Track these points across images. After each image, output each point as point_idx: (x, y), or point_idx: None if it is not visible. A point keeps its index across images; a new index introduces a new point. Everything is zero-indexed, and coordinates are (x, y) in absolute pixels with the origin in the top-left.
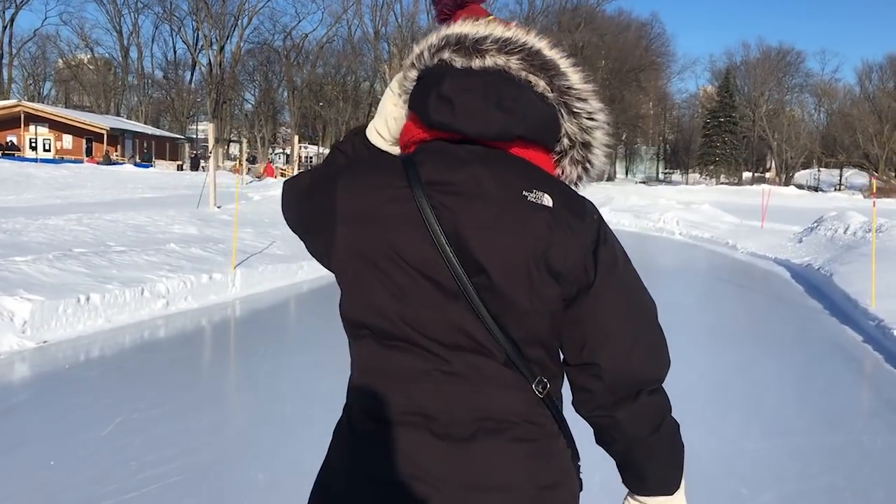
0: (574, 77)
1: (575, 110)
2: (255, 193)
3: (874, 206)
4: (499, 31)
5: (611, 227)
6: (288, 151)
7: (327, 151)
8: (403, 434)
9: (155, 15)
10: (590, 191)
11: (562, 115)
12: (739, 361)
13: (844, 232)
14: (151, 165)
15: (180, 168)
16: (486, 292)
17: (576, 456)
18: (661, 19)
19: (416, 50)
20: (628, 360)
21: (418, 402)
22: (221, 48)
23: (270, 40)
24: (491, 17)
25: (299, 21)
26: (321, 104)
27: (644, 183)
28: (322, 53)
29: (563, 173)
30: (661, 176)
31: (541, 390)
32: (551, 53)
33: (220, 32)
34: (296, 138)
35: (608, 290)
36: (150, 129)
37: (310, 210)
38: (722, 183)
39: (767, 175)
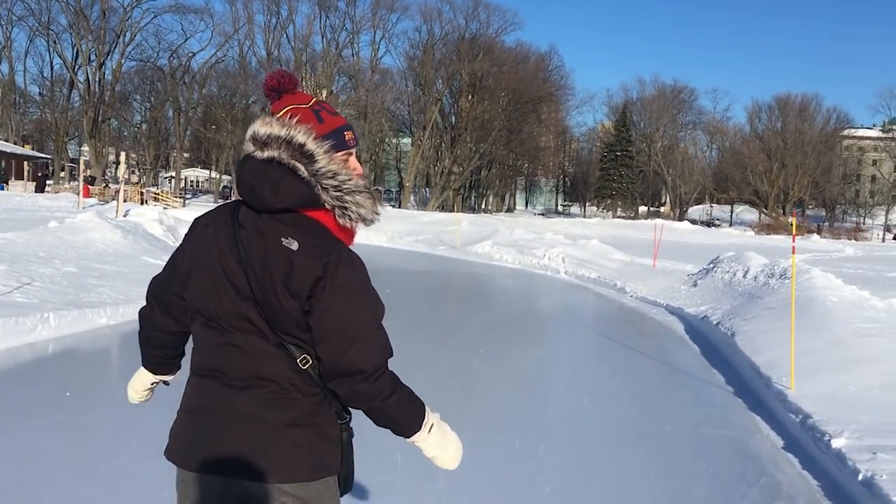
0: (322, 162)
1: (324, 186)
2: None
3: (794, 250)
4: (276, 129)
5: (493, 262)
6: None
7: (218, 175)
8: (205, 382)
9: (30, 28)
10: (475, 223)
11: (319, 189)
12: (618, 481)
13: (744, 276)
14: (2, 186)
15: (40, 189)
16: (259, 300)
17: (339, 413)
18: (560, 52)
19: (246, 136)
20: (339, 359)
21: (215, 363)
22: (101, 65)
23: (154, 58)
24: (291, 107)
25: (186, 39)
26: (213, 127)
27: (542, 215)
28: (211, 74)
29: (344, 224)
30: (559, 208)
31: (302, 364)
32: (311, 146)
33: (99, 48)
34: (179, 161)
35: (325, 309)
36: (9, 148)
37: (175, 261)
38: (618, 216)
39: (662, 209)
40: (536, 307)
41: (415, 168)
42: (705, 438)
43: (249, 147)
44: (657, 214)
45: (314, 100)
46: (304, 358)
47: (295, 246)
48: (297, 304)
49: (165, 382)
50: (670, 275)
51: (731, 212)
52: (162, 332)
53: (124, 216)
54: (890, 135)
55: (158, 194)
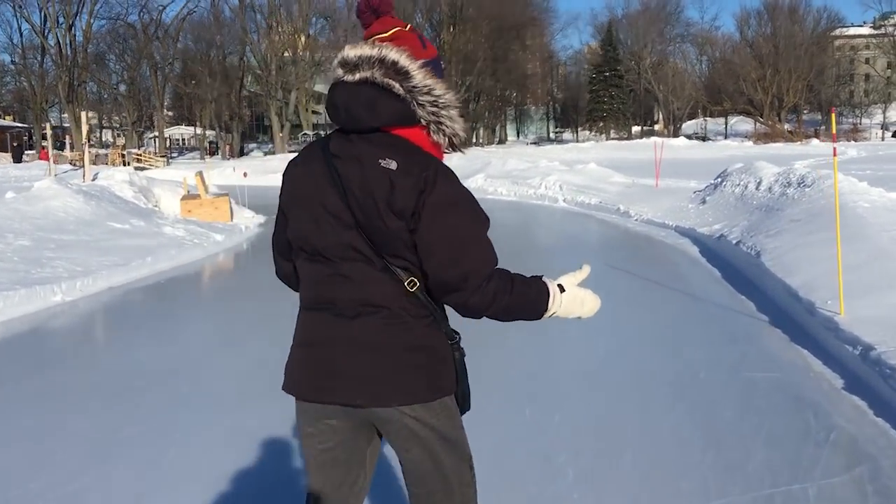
0: (418, 77)
1: (420, 102)
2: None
3: (835, 152)
4: (367, 50)
5: (487, 196)
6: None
7: (202, 131)
8: (317, 315)
9: None
10: (467, 156)
11: (415, 105)
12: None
13: (756, 188)
14: None
15: (17, 160)
16: (362, 224)
17: (449, 334)
18: None
19: (332, 67)
20: (446, 272)
21: (325, 295)
22: (70, 27)
23: (124, 15)
24: (397, 29)
25: None
26: (193, 82)
27: (535, 143)
28: (184, 27)
29: (437, 140)
30: (551, 136)
31: (410, 287)
32: (405, 62)
33: (67, 10)
34: (161, 119)
35: (429, 225)
36: None
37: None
38: (612, 139)
39: (656, 127)
40: (536, 240)
41: None
42: (749, 384)
43: (338, 73)
44: (651, 133)
45: (410, 25)
46: (412, 281)
47: (394, 165)
48: (403, 224)
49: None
50: (675, 193)
51: (726, 124)
52: (293, 274)
53: (92, 180)
54: (881, 31)
55: (140, 155)
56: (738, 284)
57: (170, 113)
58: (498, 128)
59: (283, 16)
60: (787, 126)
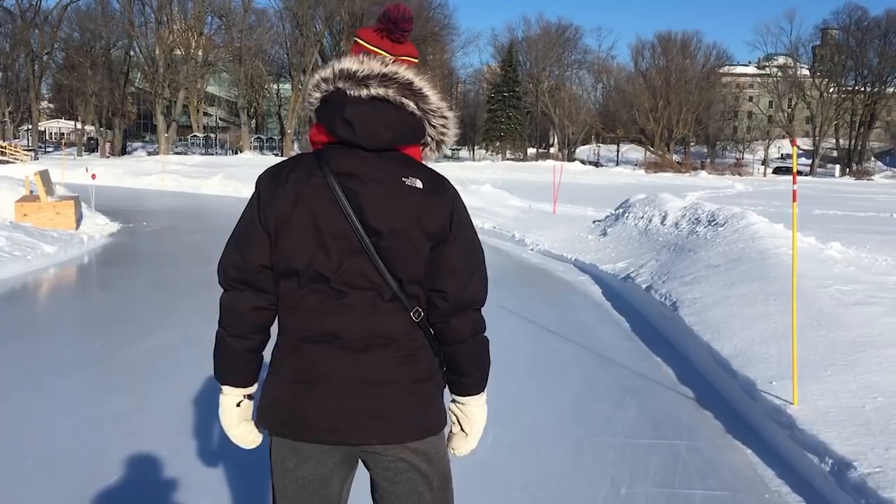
0: (433, 98)
1: (433, 123)
2: None
3: (794, 196)
4: (376, 67)
5: None
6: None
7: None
8: (318, 349)
9: None
10: None
11: (427, 125)
12: None
13: (661, 222)
14: None
15: None
16: (380, 248)
17: (442, 364)
18: None
19: (317, 77)
20: (465, 288)
21: (327, 326)
22: None
23: None
24: (410, 59)
25: None
26: (74, 74)
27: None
28: (67, 16)
29: (432, 154)
30: (448, 152)
31: (416, 317)
32: (419, 83)
33: None
34: (36, 111)
35: (456, 242)
36: None
37: (267, 221)
38: (508, 159)
39: (551, 150)
40: None
41: (296, 114)
42: None
43: (339, 84)
44: (546, 156)
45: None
46: (417, 310)
47: (419, 184)
48: (430, 245)
49: (250, 397)
50: (574, 222)
51: (618, 151)
52: (259, 310)
53: None
54: (765, 71)
55: (5, 148)
56: (653, 343)
57: (51, 105)
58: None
59: (174, 12)
60: (675, 157)
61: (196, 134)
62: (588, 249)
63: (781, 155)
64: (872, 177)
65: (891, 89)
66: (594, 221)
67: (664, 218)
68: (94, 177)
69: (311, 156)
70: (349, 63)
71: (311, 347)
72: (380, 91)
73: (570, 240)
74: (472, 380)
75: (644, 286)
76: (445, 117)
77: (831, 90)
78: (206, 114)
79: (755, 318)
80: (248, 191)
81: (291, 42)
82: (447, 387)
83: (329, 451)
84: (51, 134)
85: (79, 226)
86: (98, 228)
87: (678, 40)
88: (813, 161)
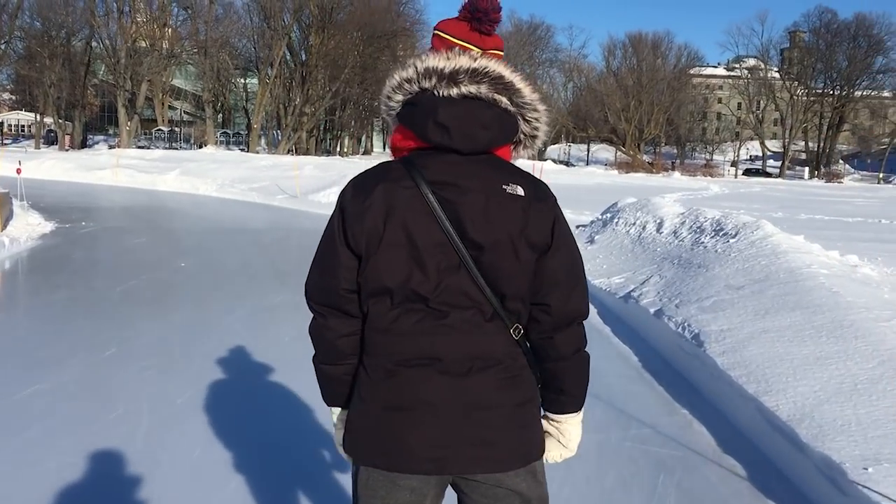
0: (526, 92)
1: (528, 119)
2: None
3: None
4: (466, 62)
5: None
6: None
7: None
8: (416, 373)
9: None
10: (321, 167)
11: (522, 121)
12: None
13: (657, 229)
14: None
15: None
16: (482, 263)
17: (538, 380)
18: None
19: (398, 78)
20: (569, 301)
21: (425, 349)
22: None
23: None
24: (497, 51)
25: None
26: (35, 64)
27: None
28: (24, 4)
29: (524, 154)
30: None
31: (516, 334)
32: (511, 77)
33: None
34: None
35: (559, 252)
36: None
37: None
38: None
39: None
40: None
41: (262, 108)
42: None
43: (424, 84)
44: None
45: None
46: (517, 327)
47: (521, 191)
48: (534, 256)
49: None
50: None
51: (588, 151)
52: (347, 337)
53: None
54: (735, 73)
55: None
56: (674, 387)
57: (12, 97)
58: (364, 138)
59: (138, 2)
60: (645, 157)
61: (161, 128)
62: None
63: (750, 157)
64: (842, 179)
65: (859, 92)
66: (578, 227)
67: (660, 225)
68: (19, 171)
69: (398, 164)
70: (435, 61)
71: (408, 371)
72: (471, 89)
73: None
74: (571, 398)
75: (651, 310)
76: (538, 111)
77: (800, 93)
78: (171, 107)
79: (809, 362)
80: (205, 187)
81: (259, 35)
82: (544, 403)
83: (426, 479)
84: (10, 126)
85: (6, 226)
86: (28, 229)
87: (649, 40)
88: (783, 163)
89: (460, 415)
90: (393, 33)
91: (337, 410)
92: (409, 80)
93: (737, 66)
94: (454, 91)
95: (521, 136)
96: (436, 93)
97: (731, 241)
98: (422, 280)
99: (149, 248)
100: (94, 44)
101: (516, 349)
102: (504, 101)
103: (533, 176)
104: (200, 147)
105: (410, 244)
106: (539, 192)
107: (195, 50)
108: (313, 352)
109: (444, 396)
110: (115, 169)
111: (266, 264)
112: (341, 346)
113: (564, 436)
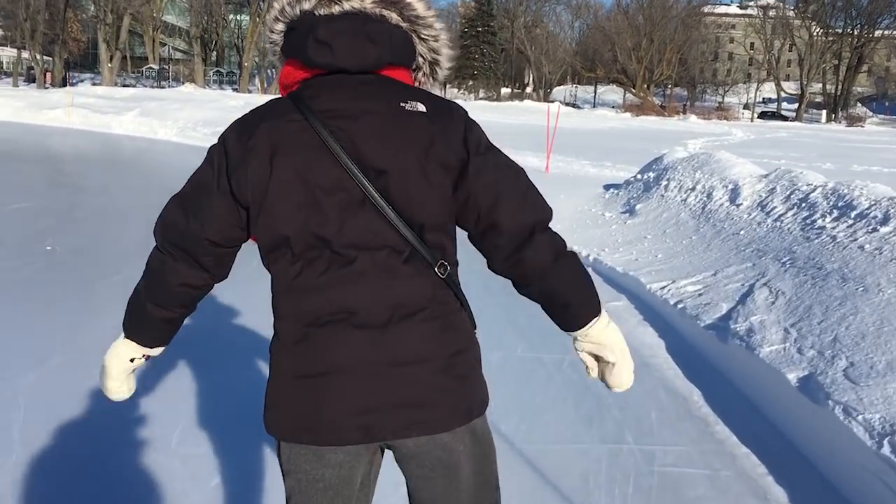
0: (419, 6)
1: (423, 36)
2: None
3: None
4: None
5: None
6: None
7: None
8: (329, 332)
9: None
10: None
11: (417, 40)
12: None
13: (733, 201)
14: None
15: None
16: (389, 192)
17: (473, 324)
18: None
19: (278, 5)
20: (520, 212)
21: (339, 303)
22: None
23: None
24: None
25: None
26: None
27: None
28: None
29: (418, 84)
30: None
31: (442, 272)
32: None
33: None
34: None
35: (485, 165)
36: None
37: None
38: (480, 99)
39: (527, 90)
40: None
41: (254, 45)
42: None
43: (304, 6)
44: (521, 96)
45: None
46: (442, 264)
47: (421, 107)
48: (448, 179)
49: (147, 357)
50: (576, 186)
51: (595, 92)
52: (189, 287)
53: None
54: (748, 11)
55: None
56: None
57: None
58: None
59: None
60: (655, 99)
61: (152, 66)
62: (611, 241)
63: (763, 99)
64: (863, 123)
65: (879, 32)
66: (607, 187)
67: (734, 193)
68: None
69: (284, 99)
70: None
71: (319, 331)
72: (354, 4)
73: (577, 219)
74: (582, 304)
75: (791, 375)
76: (434, 28)
77: (818, 32)
78: (162, 43)
79: None
80: (164, 130)
81: None
82: (560, 327)
83: (355, 449)
84: None
85: None
86: None
87: None
88: (799, 106)
89: (383, 373)
90: None
91: (134, 346)
92: (289, 4)
93: (749, 4)
94: (336, 9)
95: (420, 59)
96: (315, 13)
97: (883, 229)
98: (321, 222)
99: (26, 217)
100: None
101: (443, 290)
102: (394, 16)
103: (437, 95)
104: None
105: (303, 184)
106: (443, 107)
107: None
108: (140, 281)
109: (363, 355)
110: (67, 108)
111: None
112: (179, 293)
113: (606, 345)
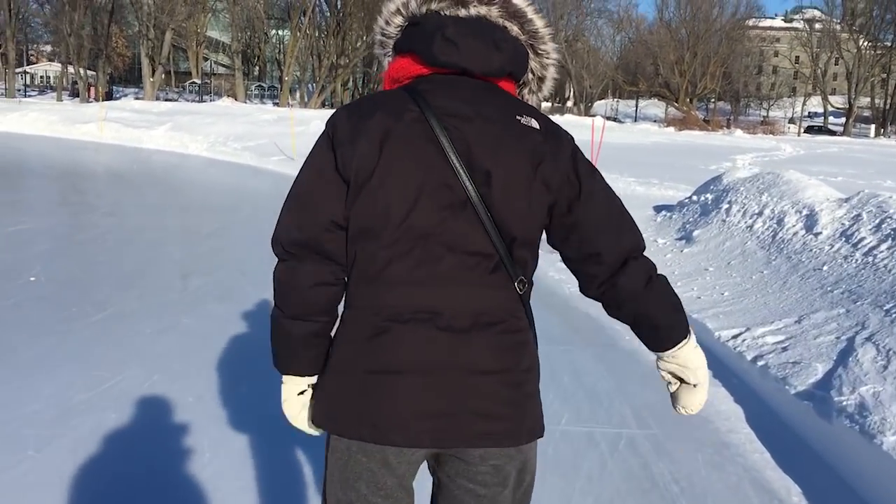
0: (539, 23)
1: (539, 51)
2: None
3: None
4: None
5: None
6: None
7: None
8: (411, 329)
9: None
10: None
11: (532, 55)
12: None
13: (809, 230)
14: None
15: None
16: (491, 200)
17: (537, 343)
18: None
19: (398, 1)
20: (619, 242)
21: (425, 302)
22: None
23: None
24: None
25: None
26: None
27: None
28: None
29: (530, 99)
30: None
31: (521, 289)
32: (522, 4)
33: None
34: (12, 49)
35: (593, 194)
36: None
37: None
38: None
39: (567, 104)
40: None
41: (293, 59)
42: None
43: (431, 6)
44: (562, 110)
45: None
46: (522, 280)
47: (535, 124)
48: (548, 199)
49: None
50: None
51: (637, 107)
52: (324, 286)
53: None
54: (793, 25)
55: None
56: None
57: (48, 47)
58: None
59: None
60: (697, 113)
61: (195, 81)
62: (666, 272)
63: (808, 113)
64: None
65: None
66: (658, 209)
67: (811, 220)
68: None
69: (399, 90)
70: None
71: (401, 328)
72: (481, 10)
73: None
74: (671, 326)
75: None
76: (549, 46)
77: (866, 45)
78: (205, 59)
79: None
80: (195, 145)
81: None
82: (648, 347)
83: (414, 455)
84: (41, 77)
85: None
86: None
87: None
88: (847, 120)
89: (460, 379)
90: None
91: (297, 380)
92: (410, 2)
93: (794, 17)
94: (462, 12)
95: (530, 74)
96: (442, 13)
97: None
98: (421, 217)
99: (21, 241)
100: None
101: (520, 306)
102: (515, 28)
103: (549, 117)
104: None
105: (410, 174)
106: (555, 128)
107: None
108: (273, 310)
109: (443, 357)
110: (100, 123)
111: (170, 271)
112: (316, 298)
113: (688, 367)
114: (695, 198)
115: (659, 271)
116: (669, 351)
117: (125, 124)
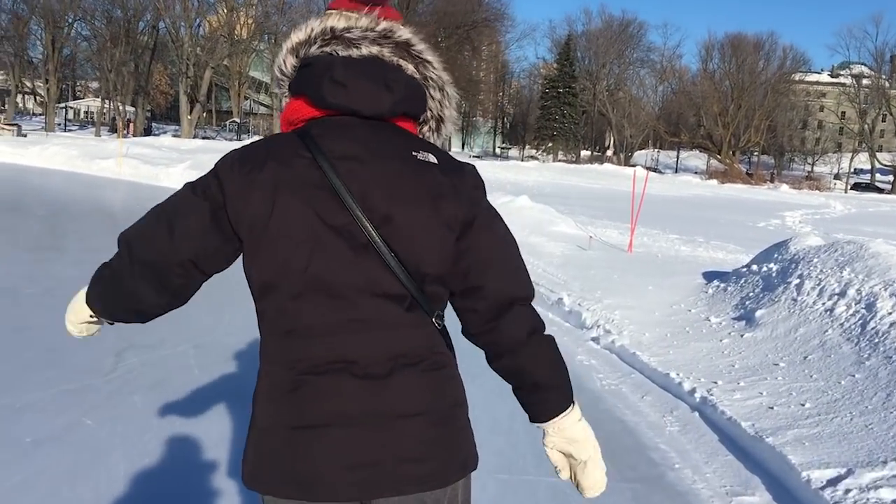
0: (434, 61)
1: (431, 94)
2: None
3: None
4: (364, 22)
5: None
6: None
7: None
8: (328, 381)
9: None
10: None
11: (428, 94)
12: None
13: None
14: None
15: None
16: (393, 240)
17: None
18: None
19: (294, 39)
20: (506, 282)
21: (339, 351)
22: None
23: None
24: (397, 20)
25: None
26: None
27: (478, 157)
28: None
29: (430, 138)
30: (497, 151)
31: (439, 323)
32: (418, 44)
33: None
34: (55, 84)
35: (487, 227)
36: None
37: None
38: (559, 160)
39: (608, 153)
40: None
41: None
42: None
43: (322, 46)
44: (601, 159)
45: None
46: (438, 314)
47: (433, 159)
48: (452, 234)
49: (109, 322)
50: (667, 273)
51: (678, 158)
52: (142, 312)
53: None
54: (839, 80)
55: None
56: None
57: (95, 83)
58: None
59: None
60: (741, 167)
61: (235, 119)
62: (724, 365)
63: (854, 170)
64: None
65: None
66: (709, 277)
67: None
68: None
69: (290, 135)
70: (333, 20)
71: (318, 380)
72: (373, 49)
73: (671, 322)
74: (554, 391)
75: None
76: (446, 89)
77: None
78: (246, 98)
79: None
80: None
81: None
82: (530, 415)
83: None
84: (85, 112)
85: None
86: None
87: (751, 43)
88: (895, 178)
89: (384, 425)
90: (473, 24)
91: (92, 309)
92: (304, 43)
93: (841, 73)
94: (354, 52)
95: (428, 113)
96: (333, 53)
97: None
98: (321, 265)
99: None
100: (158, 26)
101: (440, 341)
102: (410, 67)
103: (447, 152)
104: None
105: (305, 223)
106: (454, 162)
107: (262, 37)
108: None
109: (364, 406)
110: (119, 159)
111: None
112: (131, 312)
113: (578, 442)
114: (755, 267)
115: (547, 331)
116: (553, 421)
117: (144, 161)
